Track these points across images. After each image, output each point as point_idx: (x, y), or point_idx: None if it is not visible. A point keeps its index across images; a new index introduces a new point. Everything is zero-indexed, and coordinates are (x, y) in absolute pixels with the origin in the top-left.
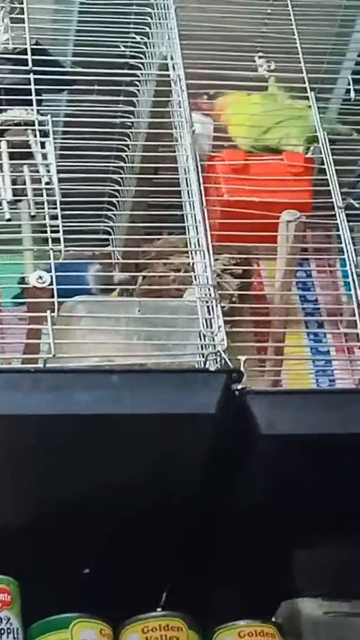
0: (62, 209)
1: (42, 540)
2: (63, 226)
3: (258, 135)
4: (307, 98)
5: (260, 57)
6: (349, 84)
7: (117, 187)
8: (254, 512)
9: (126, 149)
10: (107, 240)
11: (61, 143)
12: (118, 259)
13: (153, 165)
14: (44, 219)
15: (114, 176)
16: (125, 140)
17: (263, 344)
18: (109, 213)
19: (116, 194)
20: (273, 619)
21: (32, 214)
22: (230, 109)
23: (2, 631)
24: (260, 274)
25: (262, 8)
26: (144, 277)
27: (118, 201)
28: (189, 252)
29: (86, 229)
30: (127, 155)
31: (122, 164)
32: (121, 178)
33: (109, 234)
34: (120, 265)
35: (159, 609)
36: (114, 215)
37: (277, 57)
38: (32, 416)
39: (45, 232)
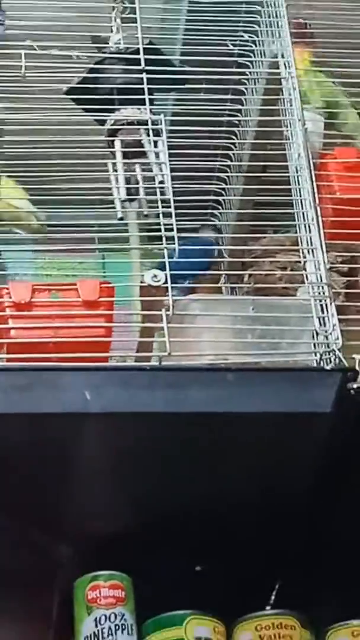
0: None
1: (155, 538)
2: (171, 224)
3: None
4: None
5: None
6: None
7: (224, 186)
8: None
9: (233, 147)
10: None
11: (169, 142)
12: (225, 256)
13: (261, 163)
14: (156, 217)
15: (221, 174)
16: (232, 139)
17: None
18: (215, 211)
19: (222, 192)
20: None
21: (145, 213)
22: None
23: (117, 627)
24: None
25: None
26: (250, 275)
27: (224, 199)
28: (300, 251)
29: (193, 227)
30: (234, 154)
31: (229, 162)
32: (228, 176)
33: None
34: (227, 263)
35: (268, 607)
36: (220, 213)
37: None
38: (149, 414)
39: (156, 230)
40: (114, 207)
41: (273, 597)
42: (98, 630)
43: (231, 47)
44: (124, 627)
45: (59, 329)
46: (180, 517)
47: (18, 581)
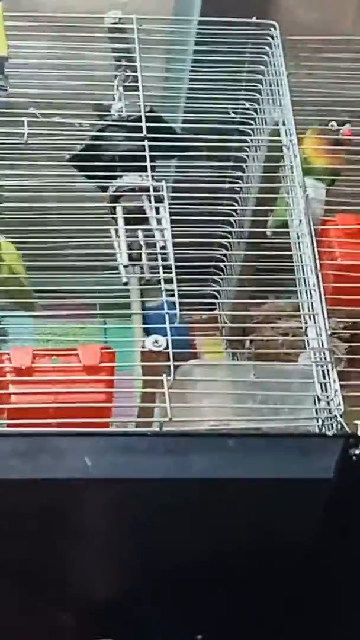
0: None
1: (157, 606)
2: (172, 290)
3: None
4: None
5: None
6: None
7: (225, 252)
8: None
9: (235, 213)
10: (214, 304)
11: (171, 208)
12: (225, 322)
13: (262, 229)
14: (157, 283)
15: (222, 240)
16: (233, 205)
17: None
18: (216, 277)
19: (224, 258)
20: None
21: (147, 278)
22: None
23: None
24: None
25: None
26: (252, 340)
27: (225, 265)
28: (301, 316)
29: (194, 294)
30: (235, 220)
31: (230, 228)
32: (229, 242)
33: (216, 297)
34: (228, 328)
35: None
36: (221, 279)
37: None
38: (150, 480)
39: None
40: (116, 273)
41: None
42: None
43: (232, 114)
44: None
45: (59, 394)
46: (183, 584)
47: None
